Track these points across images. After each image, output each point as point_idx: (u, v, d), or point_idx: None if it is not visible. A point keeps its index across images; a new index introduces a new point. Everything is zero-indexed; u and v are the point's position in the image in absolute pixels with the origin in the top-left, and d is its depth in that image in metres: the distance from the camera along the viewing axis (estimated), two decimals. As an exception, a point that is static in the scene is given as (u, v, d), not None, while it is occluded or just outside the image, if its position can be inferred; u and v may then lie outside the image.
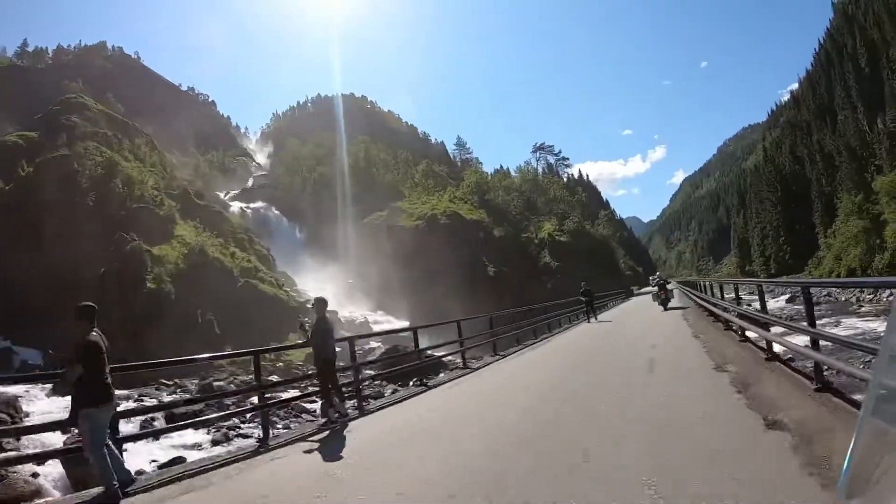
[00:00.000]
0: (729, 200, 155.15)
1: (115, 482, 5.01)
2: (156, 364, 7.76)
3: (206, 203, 56.70)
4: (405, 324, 49.36)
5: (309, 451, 6.34)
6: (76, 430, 5.94)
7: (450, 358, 20.55)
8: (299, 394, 12.39)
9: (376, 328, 48.20)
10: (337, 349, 8.38)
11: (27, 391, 26.19)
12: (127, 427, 17.44)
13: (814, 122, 79.17)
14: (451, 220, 59.03)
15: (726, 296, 14.88)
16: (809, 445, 4.18)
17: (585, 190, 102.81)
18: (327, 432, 7.28)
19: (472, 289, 48.69)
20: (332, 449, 6.30)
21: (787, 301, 40.31)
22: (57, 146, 52.25)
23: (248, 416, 16.79)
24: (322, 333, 8.23)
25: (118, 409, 5.79)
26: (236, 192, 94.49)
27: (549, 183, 78.56)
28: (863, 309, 31.44)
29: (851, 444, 1.04)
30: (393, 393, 18.63)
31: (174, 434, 15.26)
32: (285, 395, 14.52)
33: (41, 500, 9.41)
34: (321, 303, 8.76)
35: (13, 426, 15.37)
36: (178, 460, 13.15)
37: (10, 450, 13.54)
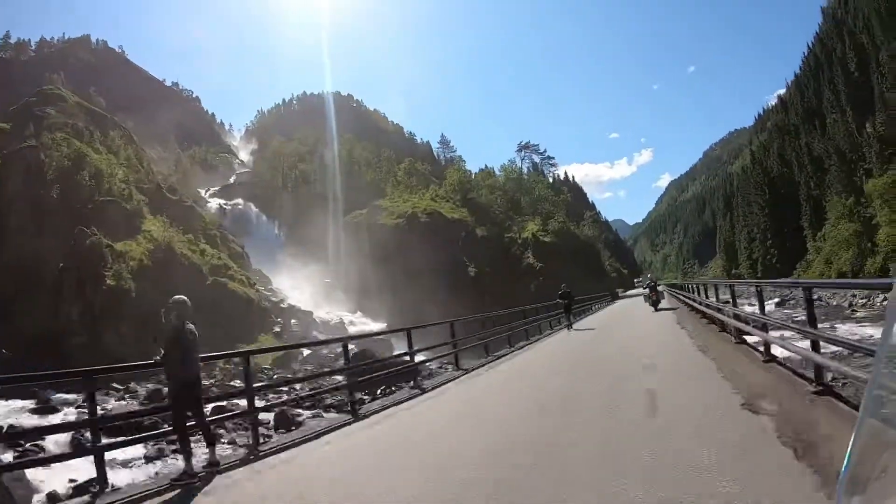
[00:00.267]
0: (715, 204, 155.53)
1: None
2: (128, 367, 7.04)
3: (179, 198, 54.44)
4: (382, 325, 47.60)
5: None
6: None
7: (432, 365, 19.54)
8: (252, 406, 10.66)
9: (352, 330, 46.35)
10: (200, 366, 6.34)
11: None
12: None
13: (802, 125, 78.78)
14: (432, 219, 57.12)
15: (710, 298, 14.70)
16: None
17: (571, 191, 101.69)
18: (175, 493, 5.24)
19: (453, 290, 46.90)
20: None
21: (777, 305, 38.98)
22: (24, 137, 50.06)
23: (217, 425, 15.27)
24: (182, 347, 6.02)
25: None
26: (216, 188, 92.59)
27: (533, 182, 76.99)
28: (857, 314, 30.20)
29: (850, 444, 1.04)
30: (314, 418, 17.23)
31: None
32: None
33: None
34: (180, 306, 6.45)
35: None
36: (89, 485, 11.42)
37: None
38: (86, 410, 6.17)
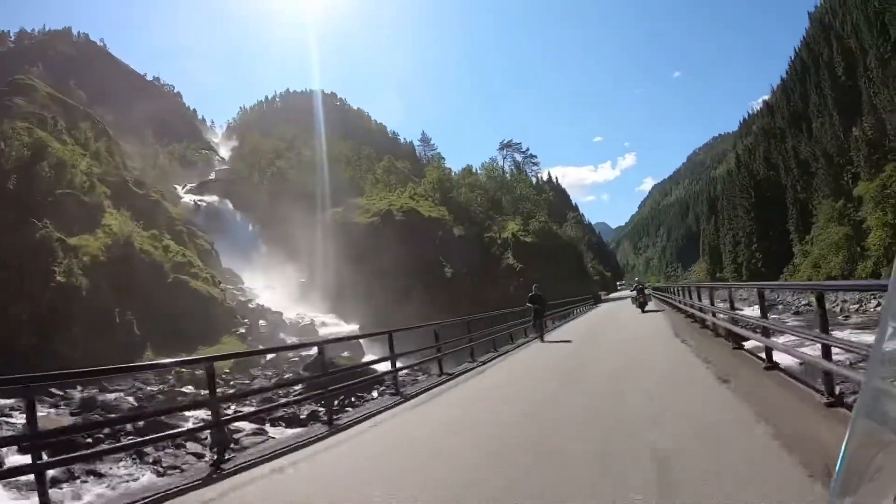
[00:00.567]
0: (698, 208, 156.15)
1: None
2: (94, 372, 6.47)
3: (145, 192, 51.96)
4: (355, 328, 45.59)
5: None
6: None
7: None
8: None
9: (324, 332, 44.29)
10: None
11: None
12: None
13: (788, 129, 78.32)
14: (408, 217, 54.88)
15: (703, 301, 14.56)
16: None
17: (554, 192, 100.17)
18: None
19: (427, 291, 44.85)
20: None
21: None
22: (-15, 126, 47.54)
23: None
24: None
25: None
26: (193, 185, 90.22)
27: (515, 181, 75.16)
28: (851, 319, 28.83)
29: (844, 444, 1.05)
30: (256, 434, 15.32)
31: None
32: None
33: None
34: None
35: None
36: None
37: None
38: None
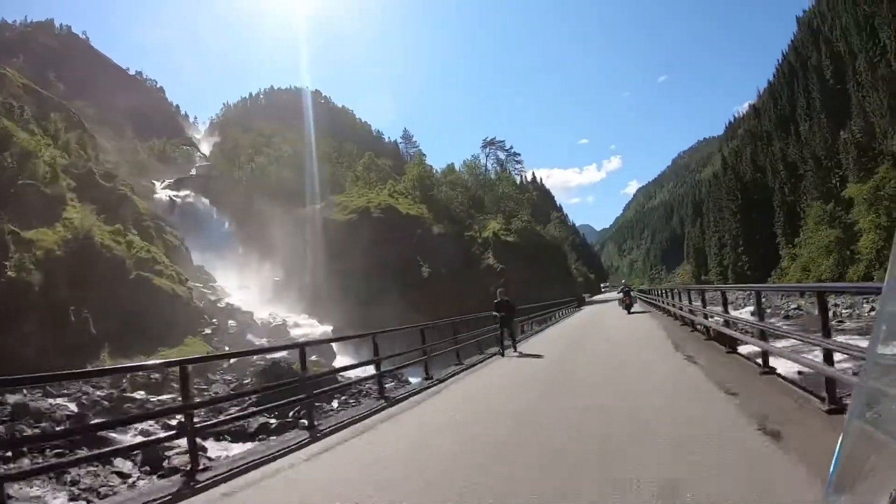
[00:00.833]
0: (683, 211, 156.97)
1: None
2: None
3: (113, 185, 49.71)
4: (328, 329, 43.76)
5: None
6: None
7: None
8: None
9: (295, 333, 42.47)
10: None
11: None
12: None
13: (775, 131, 78.23)
14: (386, 215, 52.73)
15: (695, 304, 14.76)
16: None
17: (538, 192, 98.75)
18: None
19: (403, 291, 42.99)
20: None
21: (752, 314, 36.50)
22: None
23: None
24: None
25: None
26: (171, 180, 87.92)
27: (498, 179, 73.30)
28: (845, 324, 27.58)
29: (838, 444, 1.07)
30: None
31: None
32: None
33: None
34: None
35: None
36: None
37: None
38: None
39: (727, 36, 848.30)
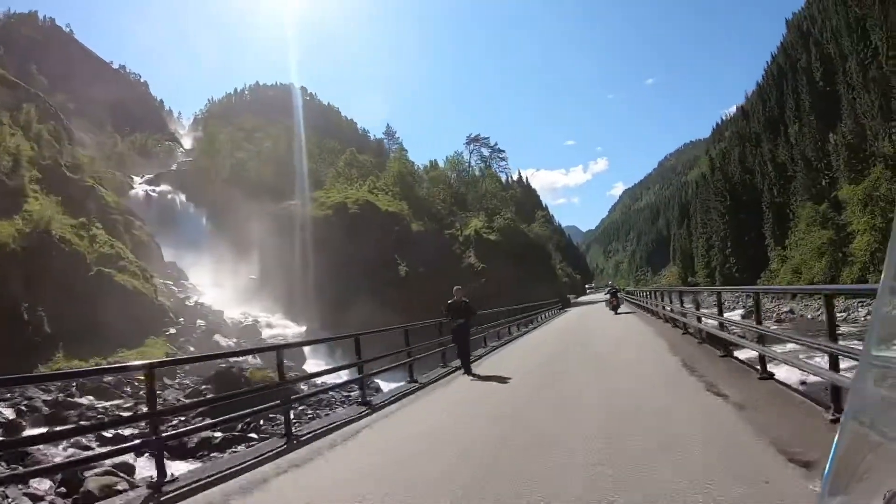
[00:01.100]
0: (669, 213, 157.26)
1: None
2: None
3: (79, 178, 47.57)
4: (302, 329, 42.02)
5: None
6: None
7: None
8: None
9: (268, 333, 40.73)
10: None
11: None
12: None
13: (764, 133, 77.83)
14: (363, 211, 50.62)
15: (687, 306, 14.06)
16: None
17: (523, 191, 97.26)
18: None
19: (378, 291, 41.18)
20: None
21: (743, 317, 35.20)
22: None
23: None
24: None
25: None
26: (151, 175, 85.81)
27: (482, 176, 71.58)
28: (840, 329, 26.31)
29: (834, 445, 1.09)
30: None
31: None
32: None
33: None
34: None
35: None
36: None
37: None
38: None
39: (715, 40, 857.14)
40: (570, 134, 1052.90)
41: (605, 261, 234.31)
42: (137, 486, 7.92)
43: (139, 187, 76.07)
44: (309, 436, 7.18)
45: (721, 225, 77.75)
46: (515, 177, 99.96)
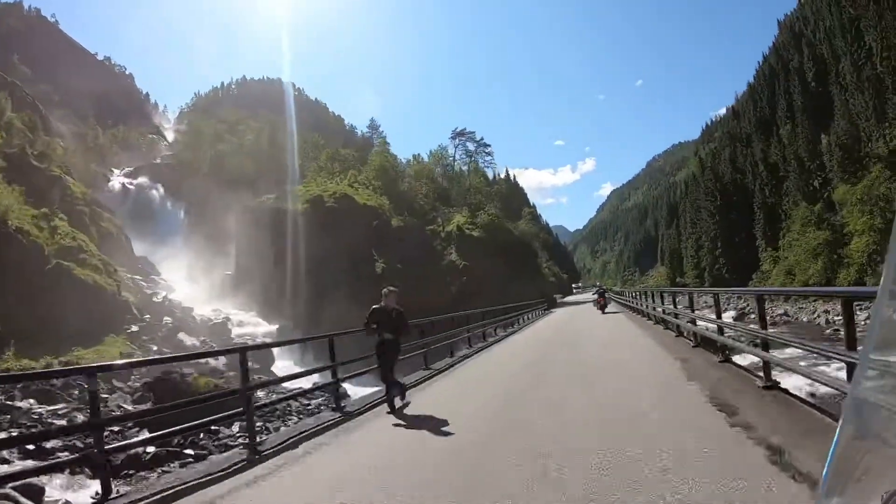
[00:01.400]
0: (657, 213, 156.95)
1: None
2: None
3: (46, 166, 45.48)
4: (273, 328, 40.26)
5: None
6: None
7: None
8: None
9: (238, 332, 38.87)
10: None
11: None
12: None
13: (755, 133, 77.17)
14: (340, 205, 48.60)
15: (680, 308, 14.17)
16: None
17: (510, 188, 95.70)
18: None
19: (353, 288, 39.39)
20: None
21: (736, 319, 33.87)
22: None
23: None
24: None
25: None
26: (130, 168, 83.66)
27: (468, 170, 70.09)
28: (840, 333, 25.00)
29: (832, 447, 1.08)
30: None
31: None
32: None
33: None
34: None
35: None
36: None
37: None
38: None
39: (705, 42, 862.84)
40: (559, 134, 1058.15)
41: (593, 261, 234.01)
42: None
43: (116, 179, 74.03)
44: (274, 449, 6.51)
45: (711, 225, 76.90)
46: (503, 174, 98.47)
